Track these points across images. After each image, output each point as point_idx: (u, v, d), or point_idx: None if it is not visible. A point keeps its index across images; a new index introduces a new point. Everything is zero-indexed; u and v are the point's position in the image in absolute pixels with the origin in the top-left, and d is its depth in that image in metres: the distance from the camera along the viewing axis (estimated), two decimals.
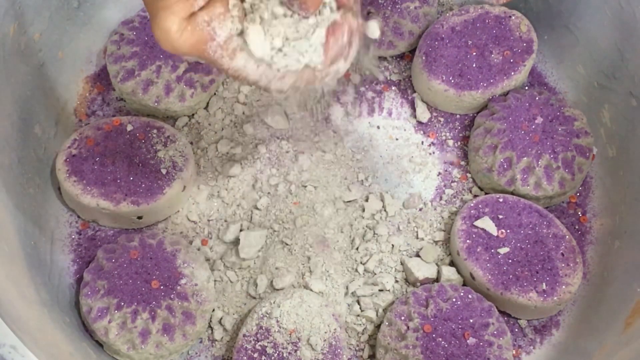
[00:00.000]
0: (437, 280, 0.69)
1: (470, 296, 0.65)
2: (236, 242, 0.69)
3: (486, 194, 0.73)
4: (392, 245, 0.70)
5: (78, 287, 0.68)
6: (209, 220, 0.71)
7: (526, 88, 0.78)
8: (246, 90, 0.77)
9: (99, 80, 0.78)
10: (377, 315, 0.67)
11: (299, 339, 0.63)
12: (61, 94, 0.75)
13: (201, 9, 0.46)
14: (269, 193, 0.72)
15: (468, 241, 0.68)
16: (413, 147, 0.75)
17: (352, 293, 0.68)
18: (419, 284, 0.68)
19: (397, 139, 0.75)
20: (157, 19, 0.46)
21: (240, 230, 0.70)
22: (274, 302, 0.65)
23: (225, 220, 0.71)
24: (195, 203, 0.72)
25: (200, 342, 0.67)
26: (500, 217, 0.69)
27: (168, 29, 0.45)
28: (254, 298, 0.68)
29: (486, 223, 0.68)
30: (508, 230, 0.68)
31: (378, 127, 0.76)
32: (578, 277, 0.67)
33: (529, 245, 0.68)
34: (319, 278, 0.68)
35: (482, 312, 0.64)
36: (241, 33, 0.47)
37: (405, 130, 0.76)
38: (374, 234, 0.70)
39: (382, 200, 0.72)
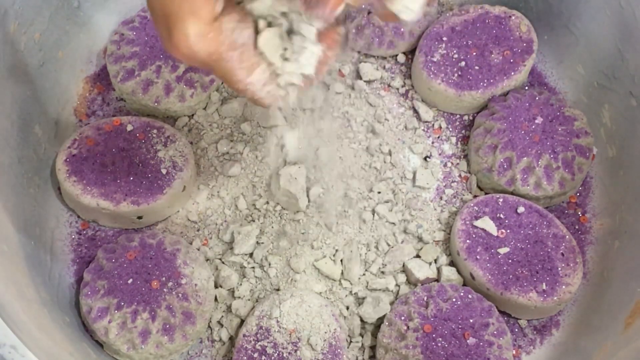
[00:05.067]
0: (437, 280, 0.69)
1: (470, 296, 0.65)
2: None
3: (486, 194, 0.73)
4: (393, 246, 0.70)
5: (78, 287, 0.68)
6: (209, 220, 0.71)
7: (526, 88, 0.78)
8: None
9: (99, 80, 0.78)
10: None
11: (299, 339, 0.63)
12: (61, 94, 0.75)
13: (221, 14, 0.43)
14: (268, 193, 0.72)
15: (468, 241, 0.68)
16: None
17: (353, 293, 0.68)
18: (419, 284, 0.68)
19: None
20: (182, 24, 0.43)
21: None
22: (274, 302, 0.65)
23: (225, 220, 0.71)
24: (195, 203, 0.72)
25: (200, 342, 0.67)
26: (500, 217, 0.69)
27: (190, 34, 0.43)
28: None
29: (486, 223, 0.68)
30: (508, 230, 0.68)
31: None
32: (578, 277, 0.67)
33: (529, 245, 0.68)
34: (320, 278, 0.68)
35: (482, 312, 0.64)
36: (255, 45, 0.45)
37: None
38: (375, 234, 0.70)
39: (383, 200, 0.72)
